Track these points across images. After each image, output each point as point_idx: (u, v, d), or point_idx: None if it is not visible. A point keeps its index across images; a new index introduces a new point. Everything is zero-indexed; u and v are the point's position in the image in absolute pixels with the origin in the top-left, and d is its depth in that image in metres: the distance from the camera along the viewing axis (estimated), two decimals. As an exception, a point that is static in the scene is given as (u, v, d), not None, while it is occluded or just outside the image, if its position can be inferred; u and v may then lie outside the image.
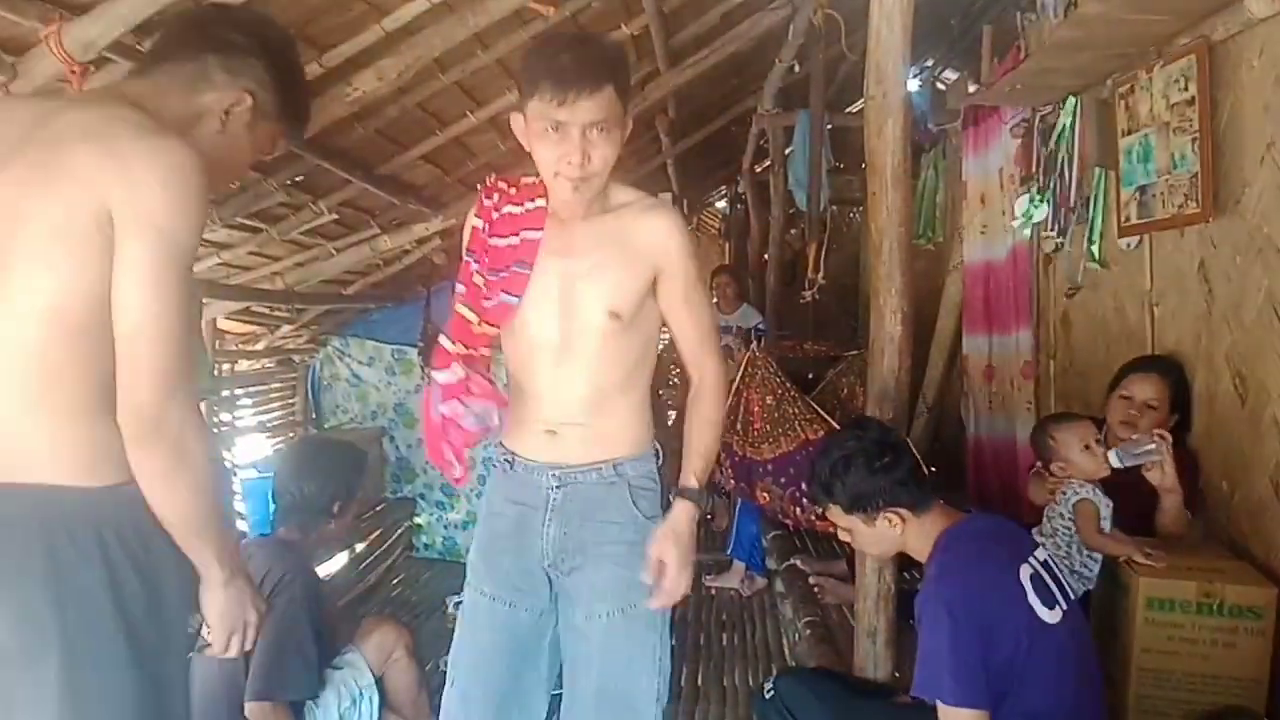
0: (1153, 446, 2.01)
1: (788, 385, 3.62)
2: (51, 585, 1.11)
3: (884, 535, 1.72)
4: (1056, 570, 1.66)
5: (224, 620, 1.28)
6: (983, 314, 3.69)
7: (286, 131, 1.42)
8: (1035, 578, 1.59)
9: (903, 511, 1.68)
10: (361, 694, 2.14)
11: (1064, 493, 2.07)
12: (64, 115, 1.15)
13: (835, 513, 1.76)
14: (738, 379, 3.76)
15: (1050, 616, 1.55)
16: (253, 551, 2.05)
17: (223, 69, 1.28)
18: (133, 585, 1.17)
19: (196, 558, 1.23)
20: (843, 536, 1.82)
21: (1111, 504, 2.03)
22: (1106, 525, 2.02)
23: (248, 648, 1.33)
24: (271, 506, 2.33)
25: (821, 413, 3.51)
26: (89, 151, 1.10)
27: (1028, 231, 3.04)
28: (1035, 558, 1.64)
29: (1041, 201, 2.80)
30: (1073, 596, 1.66)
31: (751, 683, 2.98)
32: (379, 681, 2.19)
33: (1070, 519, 2.04)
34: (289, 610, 1.95)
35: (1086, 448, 2.05)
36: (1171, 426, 2.31)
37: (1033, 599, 1.55)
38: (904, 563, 2.19)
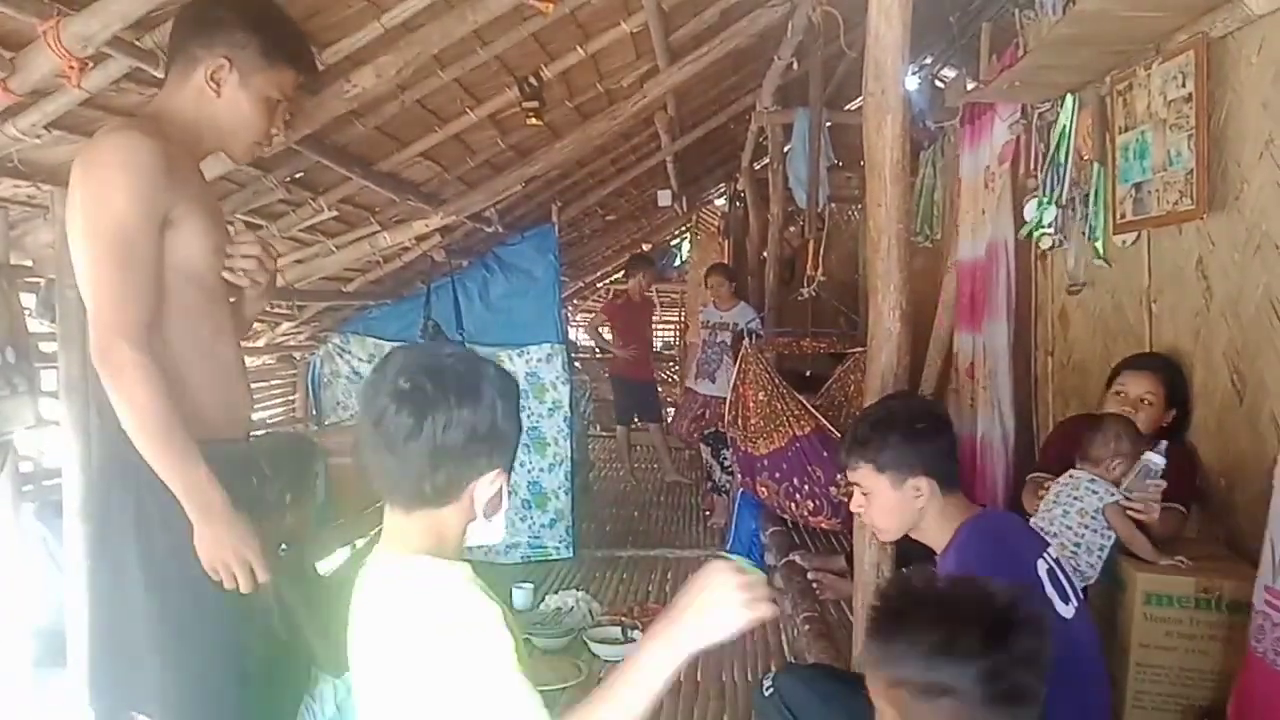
0: (1151, 490, 2.00)
1: (778, 382, 3.64)
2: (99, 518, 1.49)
3: (905, 504, 1.67)
4: (1065, 569, 1.65)
5: (207, 559, 1.41)
6: (969, 312, 3.69)
7: (294, 77, 1.55)
8: (1050, 572, 1.59)
9: (932, 483, 1.65)
10: None
11: (1078, 495, 2.08)
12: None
13: (864, 472, 1.70)
14: (735, 376, 3.79)
15: (1066, 611, 1.55)
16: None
17: (199, 45, 1.46)
18: (154, 522, 1.41)
19: (166, 478, 1.38)
20: (856, 507, 1.77)
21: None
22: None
23: (245, 587, 1.44)
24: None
25: (811, 409, 3.53)
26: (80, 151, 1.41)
27: (1024, 230, 3.04)
28: (1049, 554, 1.64)
29: (1050, 203, 2.80)
30: (1081, 593, 1.66)
31: (750, 678, 2.98)
32: None
33: (1094, 515, 2.03)
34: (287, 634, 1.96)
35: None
36: (1169, 423, 2.31)
37: (1050, 592, 1.55)
38: (903, 558, 2.19)
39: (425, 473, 0.99)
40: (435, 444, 0.98)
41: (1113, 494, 2.03)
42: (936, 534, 1.69)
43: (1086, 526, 2.04)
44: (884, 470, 1.67)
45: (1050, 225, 2.83)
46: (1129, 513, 2.00)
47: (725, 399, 4.40)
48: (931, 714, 1.03)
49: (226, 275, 1.55)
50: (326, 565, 3.59)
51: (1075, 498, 2.08)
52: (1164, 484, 1.99)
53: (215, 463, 1.43)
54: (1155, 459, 1.98)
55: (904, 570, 1.63)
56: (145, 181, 1.36)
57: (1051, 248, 3.02)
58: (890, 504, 1.70)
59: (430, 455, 0.98)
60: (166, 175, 1.40)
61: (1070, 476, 2.13)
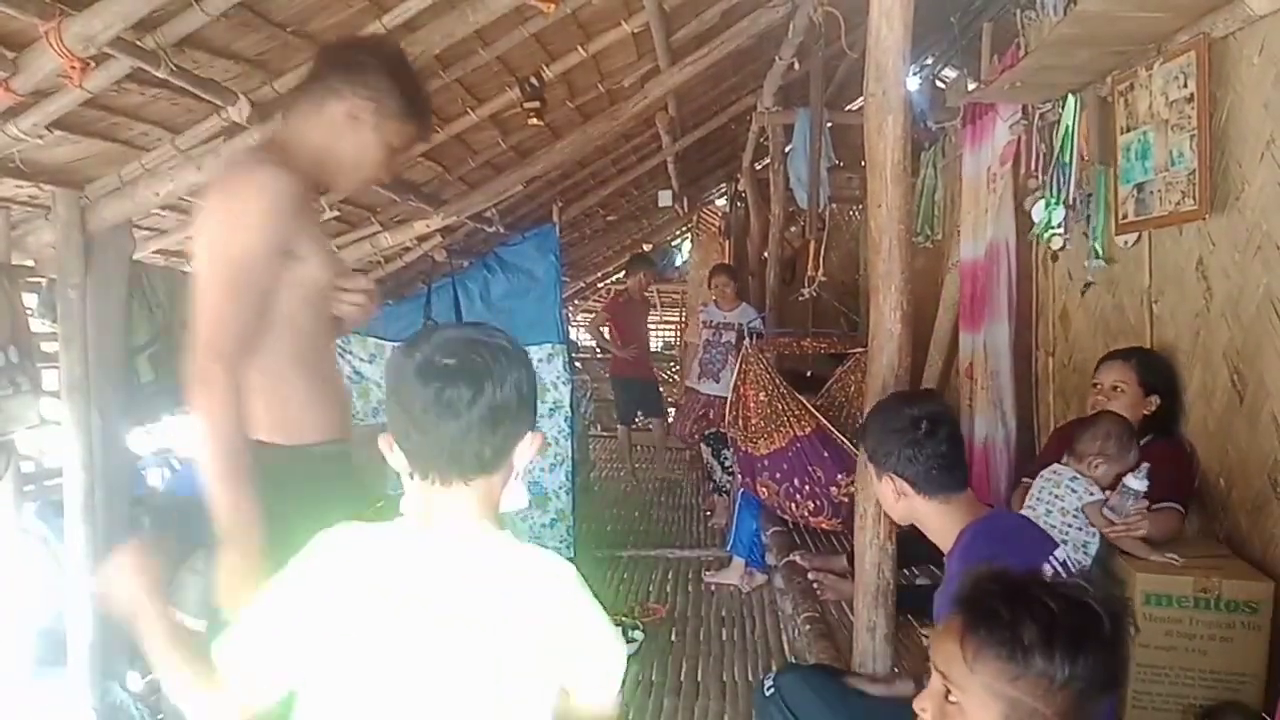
0: (1132, 511, 2.00)
1: (778, 382, 3.64)
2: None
3: (886, 497, 1.76)
4: (1072, 570, 1.64)
5: (223, 578, 1.42)
6: (969, 312, 3.69)
7: (415, 134, 1.68)
8: (1055, 576, 1.54)
9: (905, 486, 1.69)
10: None
11: (1058, 494, 2.08)
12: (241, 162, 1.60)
13: (863, 458, 1.81)
14: (735, 376, 3.79)
15: None
16: (202, 566, 2.05)
17: (344, 81, 1.55)
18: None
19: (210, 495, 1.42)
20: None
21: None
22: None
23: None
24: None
25: (812, 409, 3.53)
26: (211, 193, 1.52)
27: (1034, 231, 3.04)
28: (1055, 557, 1.62)
29: (1057, 204, 2.80)
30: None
31: (751, 678, 2.99)
32: None
33: (1075, 515, 2.04)
34: None
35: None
36: (1153, 411, 2.32)
37: None
38: (904, 559, 2.20)
39: (487, 436, 1.06)
40: (494, 405, 1.05)
41: (1092, 493, 2.04)
42: (940, 535, 1.69)
43: (1070, 525, 2.04)
44: (870, 458, 1.77)
45: (1060, 225, 2.83)
46: (1111, 535, 2.01)
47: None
48: (1056, 705, 0.99)
49: (336, 311, 1.68)
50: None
51: (1056, 496, 2.09)
52: (1146, 504, 2.00)
53: (321, 460, 1.57)
54: (1135, 484, 1.98)
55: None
56: (277, 218, 1.46)
57: (1062, 248, 3.02)
58: (878, 492, 1.79)
59: (491, 418, 1.05)
60: (295, 212, 1.49)
61: (1053, 472, 2.14)
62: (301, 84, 1.62)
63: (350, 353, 4.53)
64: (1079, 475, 2.08)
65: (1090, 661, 0.98)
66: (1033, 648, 0.98)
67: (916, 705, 1.10)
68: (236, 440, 1.43)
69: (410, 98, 1.61)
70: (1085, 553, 2.03)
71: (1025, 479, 2.43)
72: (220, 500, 1.41)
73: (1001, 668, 1.00)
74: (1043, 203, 2.87)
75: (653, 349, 8.30)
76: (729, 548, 3.88)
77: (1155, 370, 2.36)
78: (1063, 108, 2.76)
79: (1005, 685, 1.00)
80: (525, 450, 1.11)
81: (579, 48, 3.13)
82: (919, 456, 1.67)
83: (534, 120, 3.18)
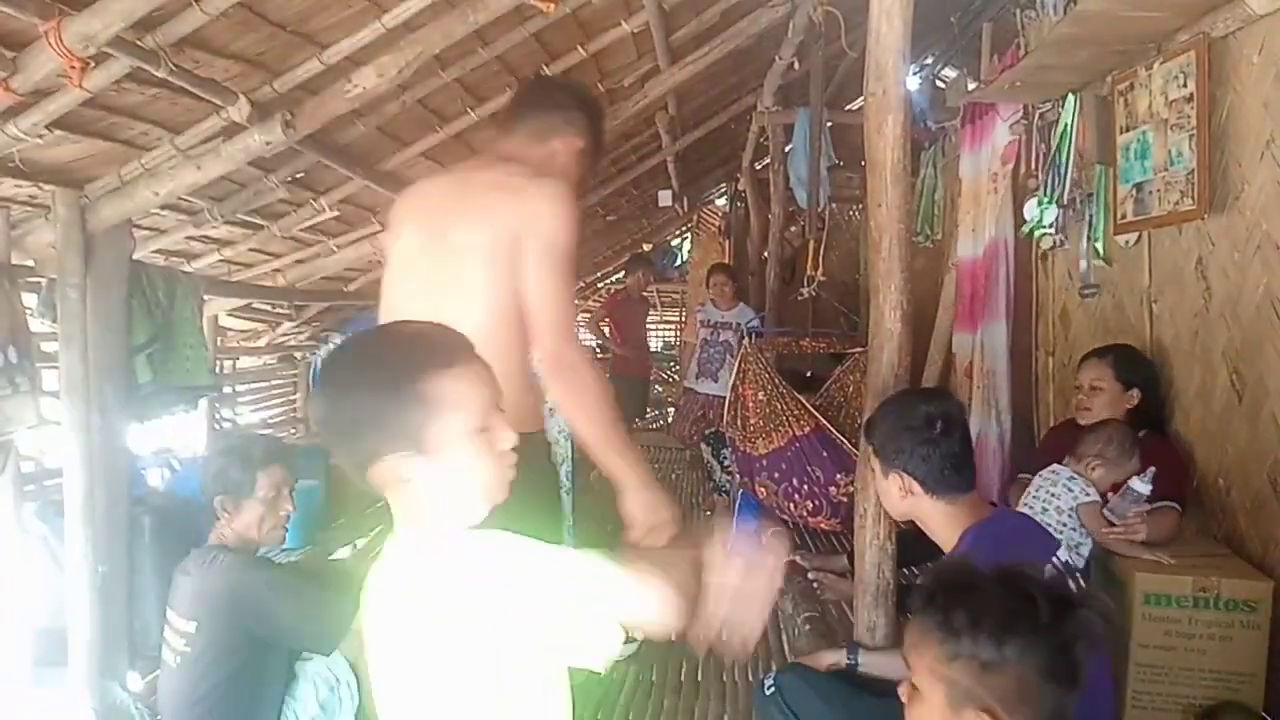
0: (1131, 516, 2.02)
1: (778, 382, 3.64)
2: None
3: (891, 494, 1.72)
4: (1073, 571, 1.64)
5: (640, 519, 1.66)
6: (967, 312, 3.69)
7: (597, 164, 2.01)
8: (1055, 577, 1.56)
9: (914, 485, 1.66)
10: (340, 680, 2.12)
11: (1055, 492, 2.09)
12: (478, 176, 1.79)
13: (868, 451, 1.78)
14: (734, 375, 3.79)
15: None
16: (189, 566, 2.04)
17: (563, 121, 1.85)
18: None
19: (610, 470, 1.67)
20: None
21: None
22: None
23: (663, 544, 1.66)
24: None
25: (811, 409, 3.53)
26: (505, 197, 1.67)
27: (1025, 230, 3.04)
28: (1057, 557, 1.61)
29: (1050, 203, 2.80)
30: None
31: (751, 678, 2.98)
32: (355, 667, 2.17)
33: (1069, 514, 2.05)
34: (255, 618, 1.97)
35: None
36: (1136, 405, 2.33)
37: None
38: (903, 559, 2.19)
39: (339, 449, 1.07)
40: (332, 417, 1.05)
41: (1088, 494, 2.04)
42: (941, 535, 1.67)
43: (1064, 525, 2.05)
44: (877, 454, 1.74)
45: (1051, 225, 2.83)
46: (1111, 536, 2.01)
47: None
48: (990, 689, 1.03)
49: None
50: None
51: (1053, 494, 2.10)
52: (1147, 508, 2.01)
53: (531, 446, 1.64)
54: (1139, 486, 2.00)
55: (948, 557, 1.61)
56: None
57: (1052, 247, 3.02)
58: (881, 487, 1.76)
59: (335, 431, 1.06)
60: None
61: (1052, 471, 2.15)
62: (522, 113, 1.88)
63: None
64: (1076, 476, 2.09)
65: (1021, 646, 1.02)
66: (961, 630, 1.04)
67: (900, 691, 1.16)
68: (616, 420, 1.68)
69: (601, 143, 1.98)
70: (1078, 553, 2.03)
71: (1023, 475, 2.43)
72: (624, 450, 1.67)
73: (937, 650, 1.07)
74: (1035, 201, 2.87)
75: (652, 349, 8.29)
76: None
77: (1131, 365, 2.38)
78: (1062, 107, 2.76)
79: (943, 666, 1.06)
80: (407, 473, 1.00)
81: (579, 47, 3.13)
82: (932, 456, 1.64)
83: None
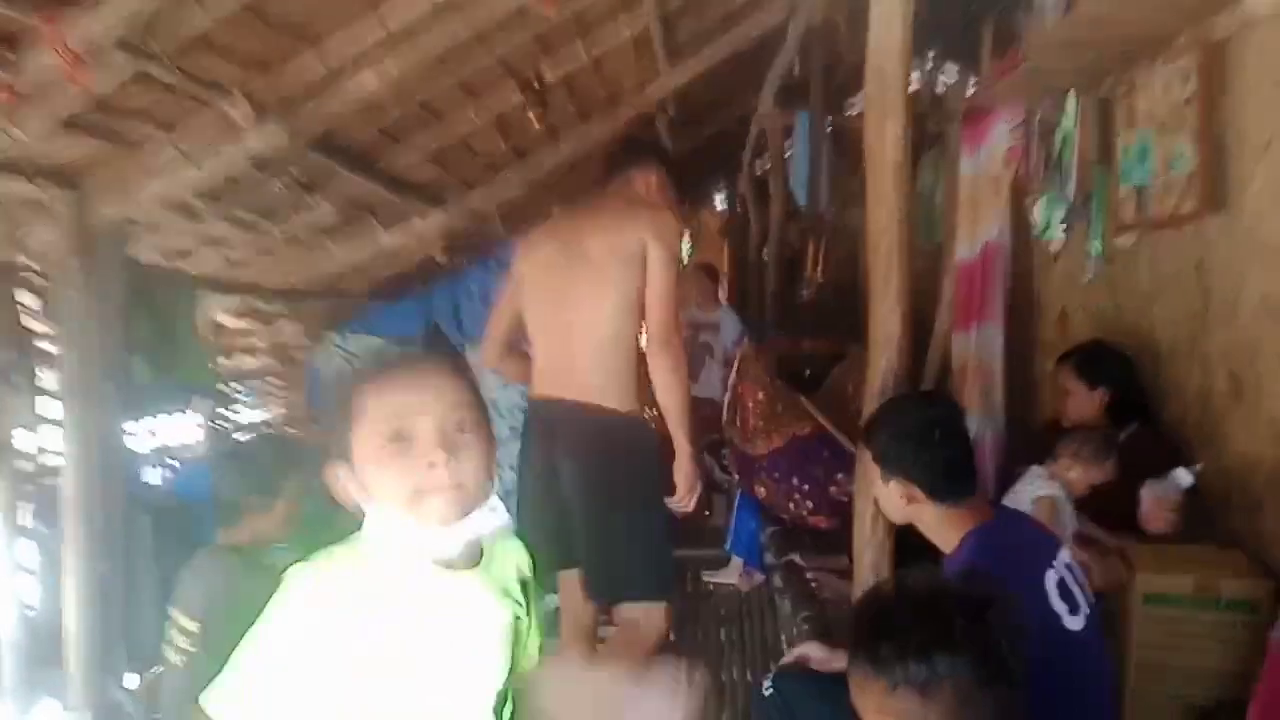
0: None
1: (778, 382, 3.64)
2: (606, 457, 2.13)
3: (892, 501, 1.69)
4: (1076, 572, 1.60)
5: (688, 482, 2.18)
6: (963, 313, 3.70)
7: (677, 188, 2.48)
8: (1060, 583, 1.53)
9: (916, 492, 1.63)
10: None
11: (1020, 488, 2.12)
12: (602, 206, 2.33)
13: (867, 458, 1.77)
14: (733, 375, 3.79)
15: (1074, 623, 1.50)
16: (197, 565, 2.05)
17: (640, 164, 2.38)
18: (626, 463, 2.15)
19: (676, 436, 2.14)
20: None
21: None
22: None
23: (692, 508, 2.24)
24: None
25: (812, 409, 3.52)
26: (629, 217, 2.18)
27: (1036, 232, 3.04)
28: (1059, 559, 1.58)
29: (1059, 204, 2.81)
30: (1091, 599, 1.60)
31: (750, 679, 2.98)
32: None
33: (1030, 506, 2.07)
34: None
35: None
36: (1108, 402, 2.37)
37: (1058, 606, 1.50)
38: (903, 560, 2.19)
39: None
40: None
41: (1045, 489, 2.08)
42: (941, 539, 1.64)
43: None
44: (877, 460, 1.71)
45: (1061, 226, 2.84)
46: (1145, 514, 2.06)
47: (708, 399, 4.41)
48: (935, 708, 1.04)
49: None
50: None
51: (1016, 491, 2.15)
52: (1178, 499, 2.04)
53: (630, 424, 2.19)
54: (1183, 477, 2.05)
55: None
56: None
57: (1061, 248, 3.02)
58: (880, 494, 1.74)
59: None
60: None
61: (1030, 470, 2.19)
62: (614, 165, 2.41)
63: (350, 352, 4.53)
64: (1043, 473, 2.13)
65: (948, 659, 1.04)
66: (890, 660, 1.06)
67: None
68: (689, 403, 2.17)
69: (675, 174, 2.46)
70: None
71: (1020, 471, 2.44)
72: (687, 425, 2.13)
73: (876, 686, 1.09)
74: (1044, 202, 2.88)
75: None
76: (727, 547, 3.87)
77: (1093, 364, 2.40)
78: (1063, 110, 2.77)
79: (889, 700, 1.07)
80: None
81: (580, 49, 3.13)
82: (935, 462, 1.60)
83: (536, 122, 3.18)
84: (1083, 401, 2.38)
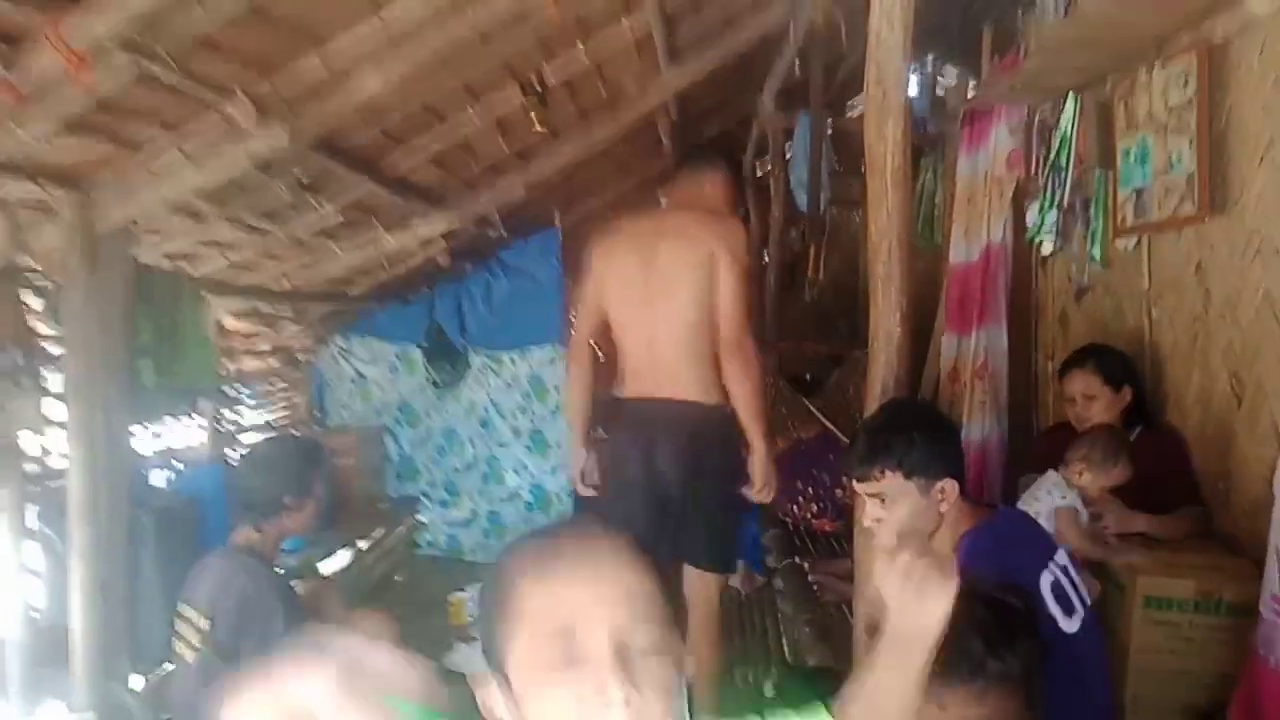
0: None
1: (781, 386, 3.65)
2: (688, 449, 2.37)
3: (931, 510, 1.60)
4: (1074, 573, 1.60)
5: (765, 475, 2.40)
6: (957, 315, 3.69)
7: (741, 194, 2.67)
8: (1055, 584, 1.53)
9: (955, 484, 1.60)
10: None
11: (1037, 496, 2.11)
12: (673, 214, 2.57)
13: (889, 480, 1.60)
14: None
15: (1069, 625, 1.50)
16: (212, 564, 2.06)
17: (709, 168, 2.59)
18: (714, 449, 2.40)
19: (751, 431, 2.36)
20: (872, 519, 1.65)
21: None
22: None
23: (771, 498, 2.51)
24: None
25: (815, 411, 3.53)
26: (699, 227, 2.37)
27: (1028, 235, 3.04)
28: (1056, 561, 1.58)
29: (1051, 207, 2.81)
30: (1088, 599, 1.60)
31: (751, 681, 2.98)
32: None
33: (1048, 519, 2.05)
34: (265, 628, 1.96)
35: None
36: (1126, 406, 2.35)
37: (1054, 609, 1.49)
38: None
39: None
40: None
41: (1065, 498, 2.06)
42: (941, 540, 1.63)
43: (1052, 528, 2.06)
44: (912, 475, 1.59)
45: (1051, 229, 2.84)
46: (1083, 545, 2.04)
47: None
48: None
49: None
50: (327, 566, 3.60)
51: (1036, 498, 2.12)
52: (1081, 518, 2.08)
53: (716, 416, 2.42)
54: (1060, 503, 2.08)
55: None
56: None
57: (1053, 253, 3.02)
58: (917, 509, 1.60)
59: None
60: None
61: (1044, 477, 2.17)
62: (687, 167, 2.62)
63: (353, 354, 4.54)
64: (1061, 481, 2.10)
65: (1024, 647, 1.11)
66: (984, 657, 1.08)
67: None
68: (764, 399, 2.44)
69: (741, 180, 2.65)
70: (1067, 550, 2.03)
71: (1025, 477, 2.44)
72: (763, 422, 2.38)
73: (968, 690, 1.09)
74: (1037, 205, 2.88)
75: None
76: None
77: (1114, 365, 2.39)
78: (1062, 111, 2.77)
79: (977, 706, 1.08)
80: None
81: (580, 50, 3.14)
82: (961, 452, 1.65)
83: (537, 123, 3.19)
84: (1110, 404, 2.34)
